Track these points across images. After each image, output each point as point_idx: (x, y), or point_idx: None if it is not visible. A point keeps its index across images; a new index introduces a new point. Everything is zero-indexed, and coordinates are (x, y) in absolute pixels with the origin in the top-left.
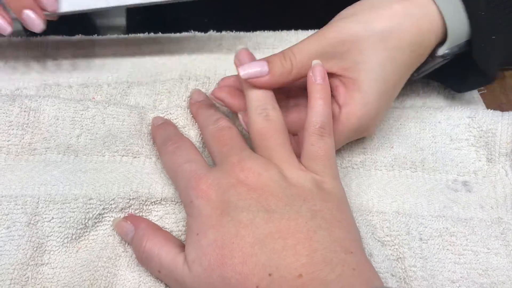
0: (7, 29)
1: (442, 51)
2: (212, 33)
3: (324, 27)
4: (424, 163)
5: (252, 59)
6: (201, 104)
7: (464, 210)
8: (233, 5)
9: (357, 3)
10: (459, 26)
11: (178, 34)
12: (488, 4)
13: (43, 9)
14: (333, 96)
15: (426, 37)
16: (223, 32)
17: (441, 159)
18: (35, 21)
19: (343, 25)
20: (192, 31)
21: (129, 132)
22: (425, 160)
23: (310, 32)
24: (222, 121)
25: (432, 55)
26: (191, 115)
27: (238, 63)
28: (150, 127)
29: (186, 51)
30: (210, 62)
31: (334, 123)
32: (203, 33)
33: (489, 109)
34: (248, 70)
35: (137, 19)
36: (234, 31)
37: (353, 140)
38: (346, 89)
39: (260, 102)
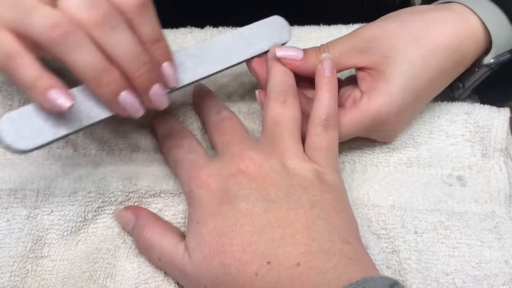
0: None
1: (487, 59)
2: (208, 28)
3: (360, 26)
4: (420, 159)
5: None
6: (204, 96)
7: (459, 204)
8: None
9: (397, 10)
10: (504, 35)
11: (174, 30)
12: None
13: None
14: (358, 84)
15: (464, 43)
16: (220, 28)
17: (437, 154)
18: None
19: (377, 24)
20: (188, 26)
21: (128, 126)
22: (421, 156)
23: (306, 27)
24: (224, 112)
25: (478, 65)
26: (192, 109)
27: (271, 53)
28: (149, 121)
29: (183, 47)
30: None
31: (352, 108)
32: (199, 29)
33: (485, 104)
34: (284, 52)
35: None
36: (230, 27)
37: (369, 135)
38: (371, 78)
39: (281, 87)
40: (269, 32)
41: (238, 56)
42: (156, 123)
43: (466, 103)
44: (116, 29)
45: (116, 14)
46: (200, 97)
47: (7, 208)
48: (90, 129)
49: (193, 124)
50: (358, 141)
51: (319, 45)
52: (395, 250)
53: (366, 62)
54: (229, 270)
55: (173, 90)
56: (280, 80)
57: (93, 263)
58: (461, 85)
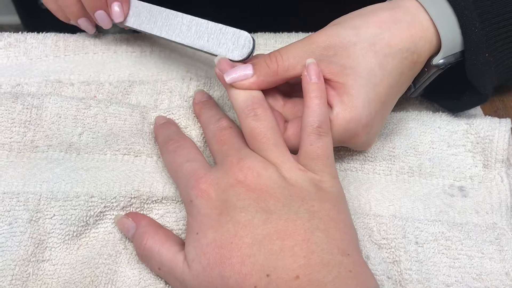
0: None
1: (436, 60)
2: None
3: (314, 33)
4: (421, 168)
5: (233, 66)
6: (204, 104)
7: (460, 215)
8: (233, 6)
9: (349, 13)
10: (453, 36)
11: None
12: (482, 21)
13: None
14: None
15: (418, 44)
16: None
17: (438, 164)
18: (105, 21)
19: (332, 30)
20: None
21: (131, 131)
22: (422, 165)
23: (300, 34)
24: (223, 121)
25: (428, 65)
26: (193, 115)
27: (220, 72)
28: (151, 126)
29: (187, 51)
30: (212, 62)
31: None
32: None
33: (486, 115)
34: (232, 75)
35: None
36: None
37: (343, 146)
38: (334, 92)
39: (247, 103)
40: (225, 41)
41: (183, 38)
42: (156, 130)
43: (466, 114)
44: None
45: None
46: (201, 105)
47: (9, 211)
48: (93, 133)
49: (196, 130)
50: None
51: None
52: (396, 261)
53: (325, 72)
54: (228, 282)
55: (122, 25)
56: (242, 96)
57: (94, 268)
58: (412, 84)
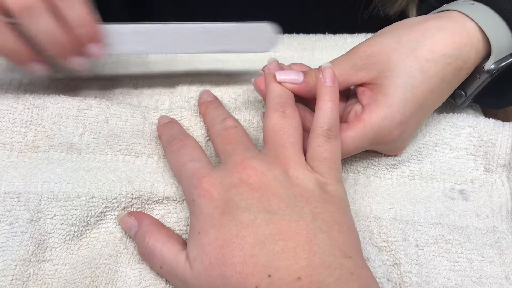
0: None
1: (488, 65)
2: None
3: (358, 44)
4: (422, 172)
5: (281, 68)
6: (210, 104)
7: (460, 218)
8: (235, 7)
9: (392, 24)
10: (502, 40)
11: None
12: None
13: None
14: (358, 98)
15: (464, 50)
16: None
17: (439, 167)
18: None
19: (375, 40)
20: None
21: (132, 131)
22: (423, 169)
23: (311, 36)
24: (229, 121)
25: (479, 71)
26: (195, 116)
27: (268, 71)
28: (152, 127)
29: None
30: (212, 63)
31: (356, 121)
32: None
33: (490, 118)
34: (284, 76)
35: (138, 20)
36: None
37: (375, 148)
38: (371, 92)
39: (280, 99)
40: (247, 38)
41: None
42: (160, 129)
43: (471, 116)
44: (36, 17)
45: (37, 4)
46: (207, 104)
47: (10, 211)
48: (94, 134)
49: (198, 131)
50: (364, 151)
51: (319, 64)
52: (396, 263)
53: (366, 78)
54: (229, 282)
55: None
56: (279, 92)
57: (94, 268)
58: (463, 93)
